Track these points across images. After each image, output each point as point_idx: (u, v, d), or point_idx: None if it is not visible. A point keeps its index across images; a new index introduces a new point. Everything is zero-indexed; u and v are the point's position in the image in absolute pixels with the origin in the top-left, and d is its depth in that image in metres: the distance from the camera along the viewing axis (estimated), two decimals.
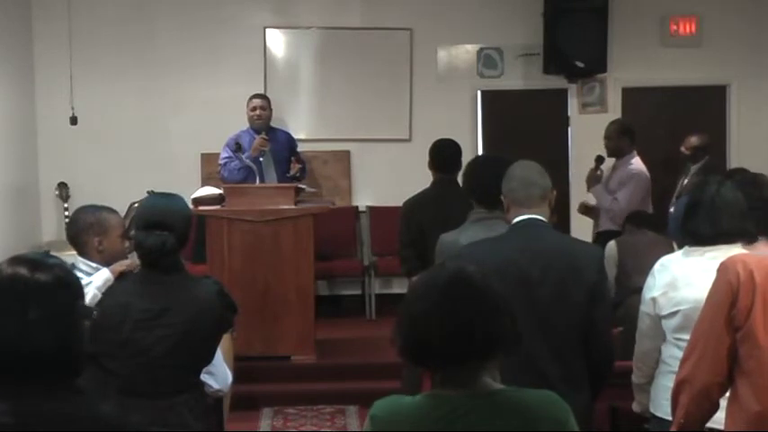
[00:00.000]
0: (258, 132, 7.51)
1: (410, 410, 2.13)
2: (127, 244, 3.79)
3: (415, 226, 5.34)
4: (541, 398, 2.15)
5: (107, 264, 3.61)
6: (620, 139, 6.97)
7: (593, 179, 7.08)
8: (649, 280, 3.47)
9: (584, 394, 3.24)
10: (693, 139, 7.45)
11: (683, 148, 7.47)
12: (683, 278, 3.27)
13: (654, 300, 3.39)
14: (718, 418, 2.82)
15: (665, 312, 3.35)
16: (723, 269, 2.76)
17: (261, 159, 7.38)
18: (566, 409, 2.14)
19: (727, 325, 2.70)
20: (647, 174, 6.94)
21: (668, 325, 3.37)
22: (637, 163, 6.94)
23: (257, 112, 7.65)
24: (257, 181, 7.11)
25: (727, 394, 2.79)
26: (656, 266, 3.45)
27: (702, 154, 7.46)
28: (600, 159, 7.14)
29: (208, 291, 3.34)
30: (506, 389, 2.13)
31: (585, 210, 7.27)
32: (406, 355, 2.15)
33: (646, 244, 5.86)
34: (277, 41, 8.63)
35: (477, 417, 2.09)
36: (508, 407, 2.11)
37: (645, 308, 3.47)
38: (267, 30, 8.58)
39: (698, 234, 3.27)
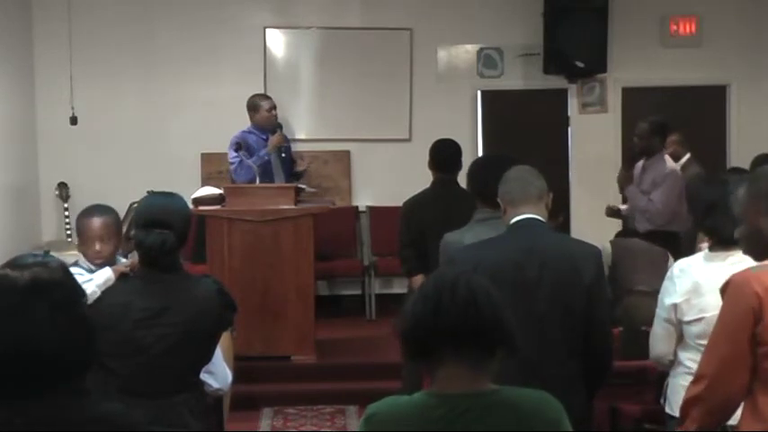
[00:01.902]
0: (271, 132, 7.51)
1: (408, 410, 2.13)
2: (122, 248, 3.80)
3: (415, 226, 5.34)
4: (536, 398, 2.17)
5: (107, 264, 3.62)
6: (651, 139, 6.86)
7: (626, 180, 7.01)
8: (667, 285, 3.43)
9: (581, 395, 3.23)
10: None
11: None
12: (707, 284, 3.22)
13: (675, 306, 3.36)
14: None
15: (687, 318, 3.33)
16: (736, 288, 2.67)
17: (282, 155, 7.40)
18: (559, 409, 2.17)
19: (750, 344, 2.63)
20: (680, 172, 6.90)
21: (690, 331, 3.34)
22: (669, 162, 6.85)
23: (274, 112, 7.64)
24: (260, 180, 7.05)
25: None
26: (675, 271, 3.42)
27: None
28: (630, 160, 7.07)
29: (207, 290, 3.34)
30: (503, 388, 2.15)
31: (612, 213, 7.21)
32: (410, 342, 2.15)
33: (639, 246, 5.88)
34: (277, 41, 8.64)
35: (475, 416, 2.10)
36: (505, 406, 2.12)
37: (662, 312, 3.43)
38: (267, 30, 8.58)
39: (719, 233, 3.25)
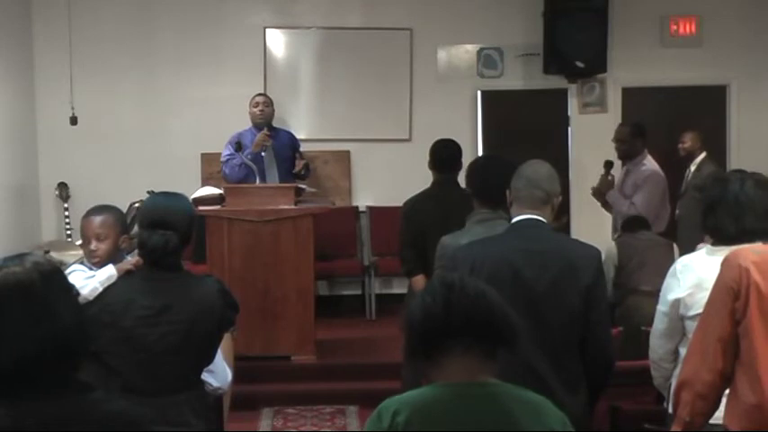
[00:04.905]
0: (261, 130, 7.51)
1: (418, 399, 2.14)
2: (125, 244, 3.80)
3: (415, 226, 5.33)
4: (538, 397, 2.21)
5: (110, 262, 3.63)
6: (633, 142, 6.91)
7: (607, 185, 7.02)
8: (670, 281, 3.43)
9: (580, 395, 3.23)
10: (689, 136, 7.51)
11: (680, 146, 7.53)
12: (710, 278, 3.21)
13: (678, 300, 3.36)
14: (719, 415, 2.84)
15: (691, 313, 3.33)
16: (724, 264, 2.79)
17: (263, 154, 7.39)
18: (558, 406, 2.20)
19: (730, 318, 2.72)
20: (662, 173, 6.89)
21: (693, 326, 3.34)
22: (650, 163, 6.87)
23: (259, 107, 7.65)
24: (258, 179, 7.10)
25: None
26: (678, 267, 3.42)
27: (700, 149, 7.51)
28: (609, 164, 7.11)
29: (209, 289, 3.34)
30: (506, 383, 2.18)
31: (597, 193, 7.19)
32: (418, 339, 2.16)
33: (645, 244, 5.88)
34: (277, 41, 8.64)
35: (481, 403, 2.13)
36: (510, 396, 2.15)
37: (665, 308, 3.43)
38: (267, 30, 8.58)
39: (720, 231, 3.25)
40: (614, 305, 5.57)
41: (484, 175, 4.02)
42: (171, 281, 3.32)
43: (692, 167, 7.53)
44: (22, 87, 8.22)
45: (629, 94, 8.79)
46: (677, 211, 7.42)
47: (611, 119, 8.70)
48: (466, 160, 5.54)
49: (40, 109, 8.43)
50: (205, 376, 3.44)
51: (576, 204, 8.64)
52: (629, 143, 6.92)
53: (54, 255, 6.98)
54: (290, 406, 6.30)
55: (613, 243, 6.01)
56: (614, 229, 7.04)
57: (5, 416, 1.84)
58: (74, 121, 7.75)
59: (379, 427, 2.11)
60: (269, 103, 7.76)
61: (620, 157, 7.07)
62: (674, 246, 5.90)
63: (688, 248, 3.88)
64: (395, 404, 2.14)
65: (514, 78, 8.74)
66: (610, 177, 7.05)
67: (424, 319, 2.14)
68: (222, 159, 7.46)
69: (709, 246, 3.36)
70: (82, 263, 3.71)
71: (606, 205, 7.16)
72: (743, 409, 2.69)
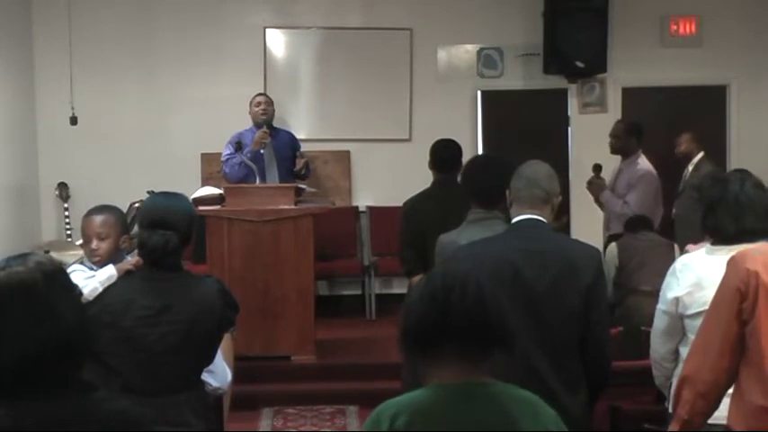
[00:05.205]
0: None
1: (414, 401, 2.14)
2: (126, 244, 3.80)
3: (415, 226, 5.33)
4: (534, 396, 2.21)
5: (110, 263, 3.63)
6: (628, 139, 6.92)
7: (598, 186, 7.03)
8: (670, 279, 3.44)
9: (580, 395, 3.22)
10: (686, 136, 7.51)
11: (676, 150, 7.54)
12: (709, 278, 3.21)
13: (678, 299, 3.36)
14: (719, 415, 2.84)
15: (690, 312, 3.33)
16: (730, 265, 2.78)
17: (262, 152, 7.39)
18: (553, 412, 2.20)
19: (737, 318, 2.72)
20: (655, 173, 6.89)
21: (692, 325, 3.35)
22: (643, 163, 6.89)
23: (262, 107, 7.67)
24: (258, 179, 7.10)
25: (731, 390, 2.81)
26: (677, 266, 3.43)
27: (697, 149, 7.52)
28: (598, 168, 7.11)
29: (209, 289, 3.35)
30: (501, 382, 2.18)
31: (591, 191, 7.18)
32: (415, 340, 2.15)
33: (646, 245, 5.88)
34: (277, 41, 8.64)
35: (477, 402, 2.12)
36: (505, 395, 2.15)
37: (664, 307, 3.43)
38: (267, 30, 8.58)
39: (720, 231, 3.26)
40: (614, 305, 5.57)
41: (478, 176, 4.03)
42: (171, 281, 3.32)
43: (690, 167, 7.53)
44: (22, 87, 8.22)
45: (629, 94, 8.79)
46: (674, 211, 7.43)
47: (611, 119, 8.67)
48: (466, 160, 5.55)
49: (40, 109, 8.43)
50: (205, 376, 3.44)
51: (576, 204, 8.63)
52: (623, 140, 6.94)
53: (54, 255, 6.99)
54: (290, 406, 6.30)
55: (614, 244, 6.00)
56: (606, 228, 7.05)
57: (5, 416, 1.84)
58: (74, 121, 7.75)
59: (377, 429, 2.11)
60: (270, 102, 7.78)
61: (613, 152, 7.09)
62: (675, 246, 5.91)
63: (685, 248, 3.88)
64: (393, 407, 2.13)
65: (514, 78, 8.74)
66: (599, 180, 7.06)
67: (421, 319, 2.14)
68: (222, 159, 7.48)
69: (708, 246, 3.36)
70: (82, 263, 3.71)
71: (599, 202, 7.17)
72: (749, 409, 2.69)
